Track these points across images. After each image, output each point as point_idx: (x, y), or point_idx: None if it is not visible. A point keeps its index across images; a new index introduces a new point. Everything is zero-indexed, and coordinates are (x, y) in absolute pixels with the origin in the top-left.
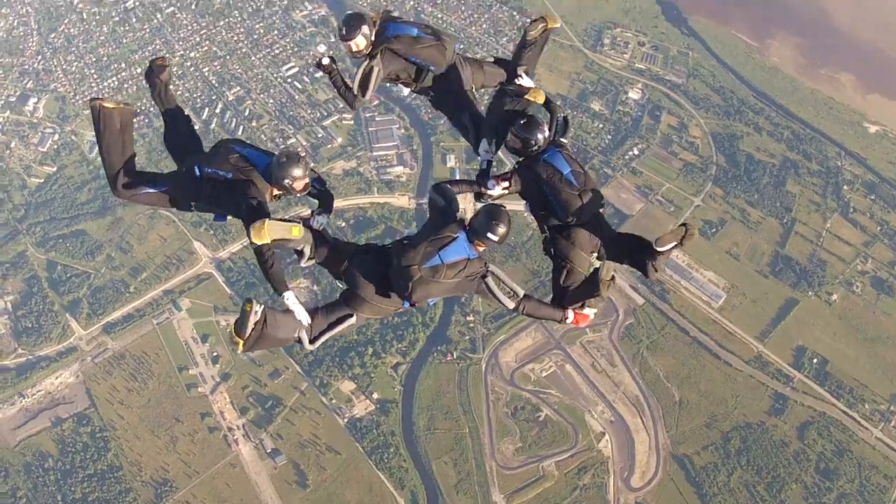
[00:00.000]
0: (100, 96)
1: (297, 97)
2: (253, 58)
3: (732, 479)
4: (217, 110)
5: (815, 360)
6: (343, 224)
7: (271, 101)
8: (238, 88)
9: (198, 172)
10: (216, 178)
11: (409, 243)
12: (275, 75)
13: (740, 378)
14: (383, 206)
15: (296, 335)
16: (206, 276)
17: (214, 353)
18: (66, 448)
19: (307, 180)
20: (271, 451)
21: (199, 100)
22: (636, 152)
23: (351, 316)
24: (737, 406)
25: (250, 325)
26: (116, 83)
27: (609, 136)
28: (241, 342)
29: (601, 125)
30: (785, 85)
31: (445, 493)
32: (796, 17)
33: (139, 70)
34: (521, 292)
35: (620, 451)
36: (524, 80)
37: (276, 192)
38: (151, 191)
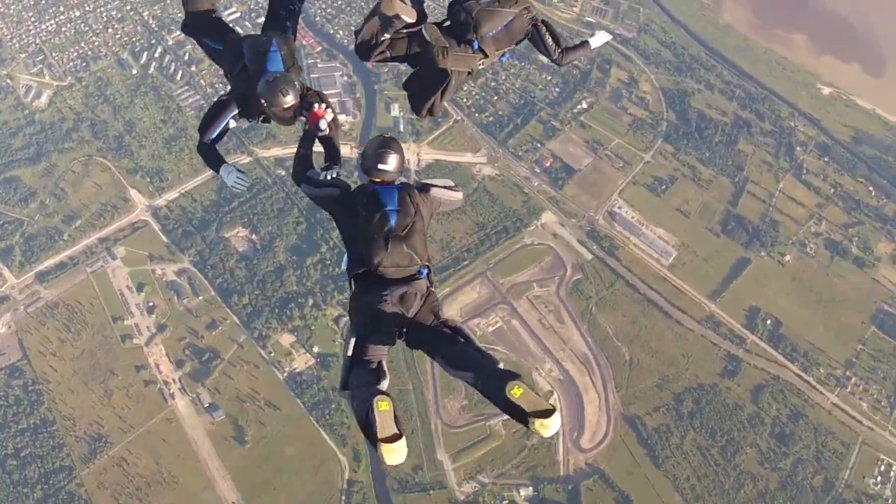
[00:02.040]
0: None
1: None
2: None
3: (685, 442)
4: (156, 54)
5: (768, 322)
6: (283, 172)
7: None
8: (178, 33)
9: (244, 50)
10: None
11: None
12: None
13: (692, 338)
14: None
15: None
16: (141, 223)
17: (150, 303)
18: None
19: (291, 110)
20: (208, 405)
21: (137, 44)
22: (585, 106)
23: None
24: (689, 367)
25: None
26: (55, 26)
27: (557, 90)
28: (404, 439)
29: (549, 77)
30: (737, 43)
31: None
32: None
33: (77, 14)
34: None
35: (569, 410)
36: None
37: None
38: (209, 43)
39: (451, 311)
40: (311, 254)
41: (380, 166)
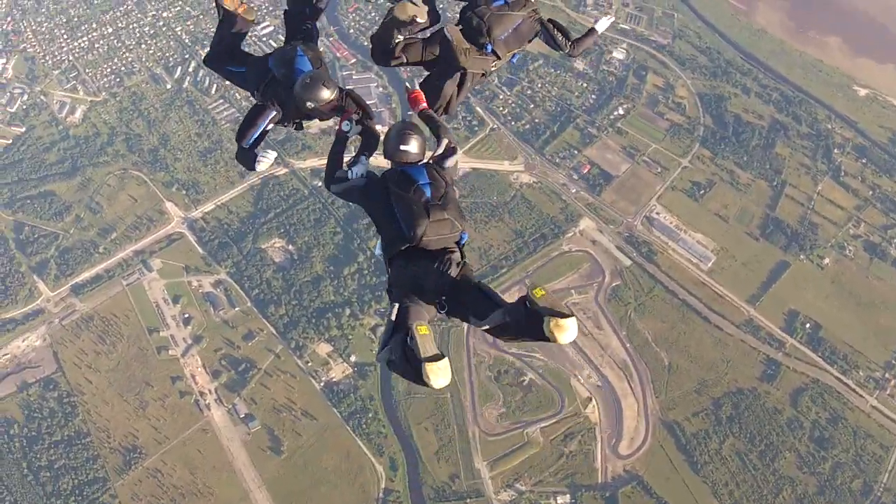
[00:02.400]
0: None
1: None
2: None
3: (724, 447)
4: (190, 69)
5: (807, 325)
6: (320, 183)
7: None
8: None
9: (270, 64)
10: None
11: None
12: (250, 35)
13: (731, 342)
14: None
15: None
16: (177, 236)
17: (186, 315)
18: (31, 414)
19: (329, 103)
20: (244, 416)
21: (171, 59)
22: (621, 112)
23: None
24: (728, 371)
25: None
26: (87, 43)
27: (593, 96)
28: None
29: (585, 84)
30: (772, 47)
31: (426, 460)
32: None
33: (110, 30)
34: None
35: (608, 416)
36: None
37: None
38: (232, 69)
39: None
40: (349, 264)
41: (401, 147)
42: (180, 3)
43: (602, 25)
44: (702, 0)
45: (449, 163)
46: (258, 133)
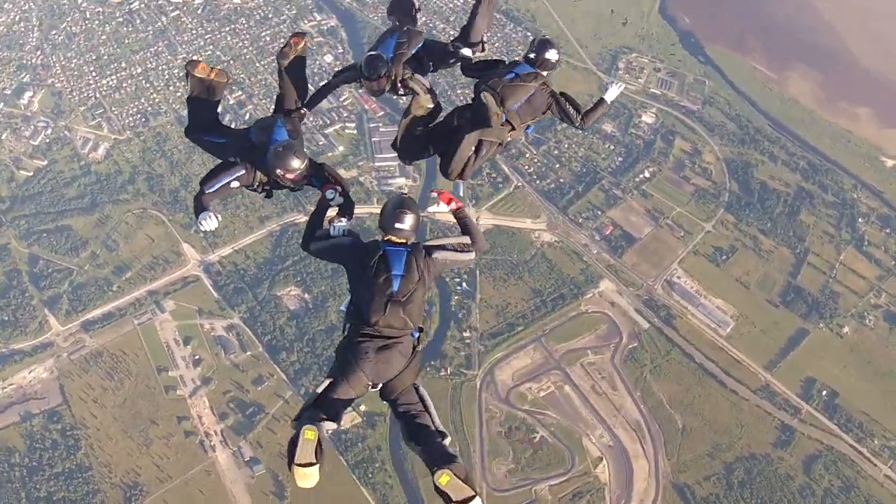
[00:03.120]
0: (195, 59)
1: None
2: (257, 64)
3: None
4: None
5: (824, 393)
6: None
7: (273, 106)
8: (240, 93)
9: (251, 133)
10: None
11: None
12: (279, 82)
13: (746, 407)
14: None
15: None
16: (192, 278)
17: (196, 356)
18: (34, 444)
19: (297, 173)
20: (249, 459)
21: None
22: (647, 175)
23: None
24: (742, 436)
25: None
26: (116, 82)
27: (620, 159)
28: (317, 467)
29: (612, 147)
30: (802, 116)
31: None
32: (815, 50)
33: (139, 70)
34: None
35: (618, 477)
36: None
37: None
38: (213, 140)
39: (504, 376)
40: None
41: (396, 225)
42: (211, 46)
43: (611, 95)
44: (733, 68)
45: (448, 256)
46: (219, 185)
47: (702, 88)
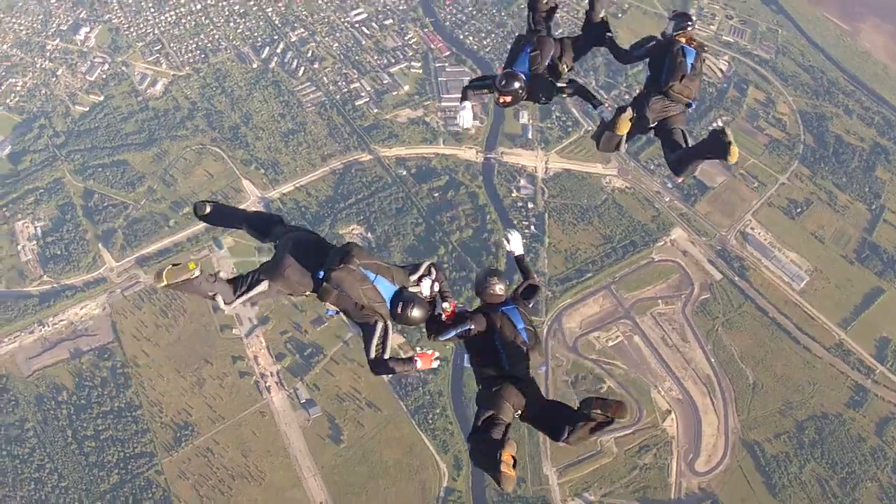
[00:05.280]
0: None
1: (364, 42)
2: (320, 1)
3: (805, 472)
4: (278, 50)
5: None
6: (405, 172)
7: (336, 44)
8: (302, 30)
9: (320, 276)
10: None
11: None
12: (342, 20)
13: (819, 365)
14: (448, 158)
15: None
16: None
17: None
18: (83, 382)
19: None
20: (305, 401)
21: (259, 39)
22: (720, 124)
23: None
24: (814, 395)
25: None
26: (174, 17)
27: (693, 105)
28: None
29: None
30: (876, 70)
31: None
32: (888, 2)
33: (199, 6)
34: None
35: (686, 431)
36: None
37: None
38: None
39: (571, 324)
40: (429, 255)
41: (490, 291)
42: None
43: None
44: (806, 18)
45: (534, 300)
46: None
47: (774, 38)
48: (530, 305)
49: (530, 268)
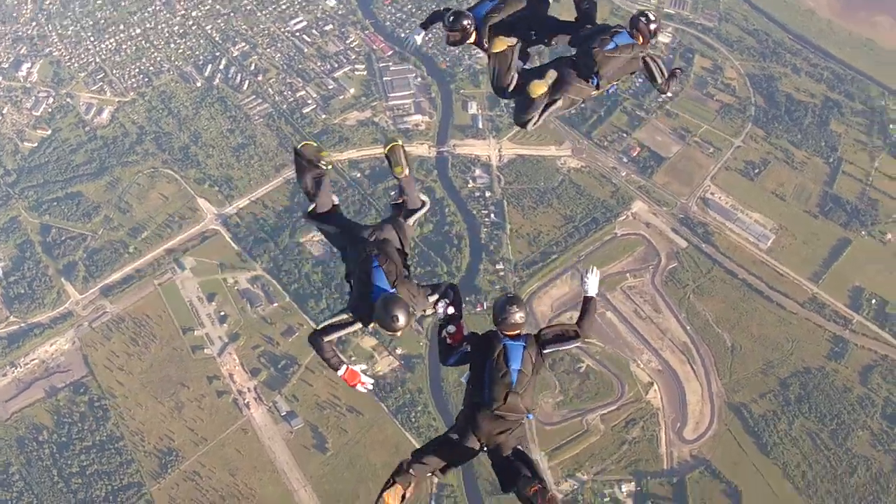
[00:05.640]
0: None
1: (306, 50)
2: (259, 14)
3: (794, 428)
4: (221, 66)
5: (873, 301)
6: (359, 175)
7: (278, 55)
8: (243, 44)
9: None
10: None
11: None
12: (282, 30)
13: (795, 321)
14: None
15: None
16: (211, 233)
17: (222, 313)
18: (61, 419)
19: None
20: (286, 413)
21: (201, 57)
22: (669, 94)
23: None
24: (793, 351)
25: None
26: (115, 45)
27: (640, 80)
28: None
29: None
30: (821, 27)
31: (480, 453)
32: None
33: (138, 31)
34: (573, 329)
35: (671, 401)
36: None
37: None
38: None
39: (542, 307)
40: None
41: (510, 321)
42: (210, 1)
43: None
44: None
45: (557, 348)
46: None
47: (717, 5)
48: (546, 351)
49: (587, 317)
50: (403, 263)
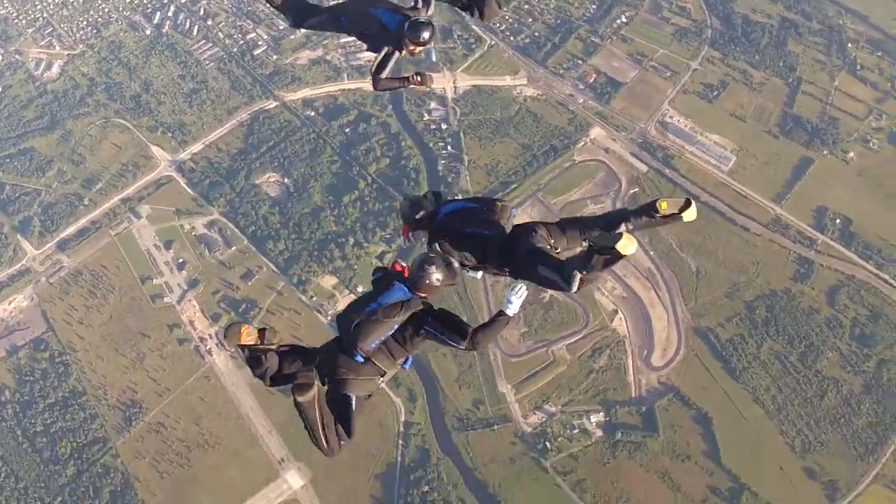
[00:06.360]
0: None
1: None
2: None
3: (762, 351)
4: (170, 13)
5: (837, 221)
6: (313, 113)
7: None
8: None
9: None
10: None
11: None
12: None
13: (759, 243)
14: (355, 92)
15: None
16: (165, 179)
17: (180, 260)
18: (23, 378)
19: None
20: None
21: (149, 5)
22: (624, 20)
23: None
24: (759, 273)
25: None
26: (60, 0)
27: (594, 6)
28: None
29: None
30: None
31: (446, 388)
32: None
33: None
34: (469, 329)
35: (636, 328)
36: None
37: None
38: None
39: None
40: (349, 192)
41: (426, 282)
42: None
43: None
44: None
45: (435, 339)
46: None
47: None
48: (425, 330)
49: (488, 330)
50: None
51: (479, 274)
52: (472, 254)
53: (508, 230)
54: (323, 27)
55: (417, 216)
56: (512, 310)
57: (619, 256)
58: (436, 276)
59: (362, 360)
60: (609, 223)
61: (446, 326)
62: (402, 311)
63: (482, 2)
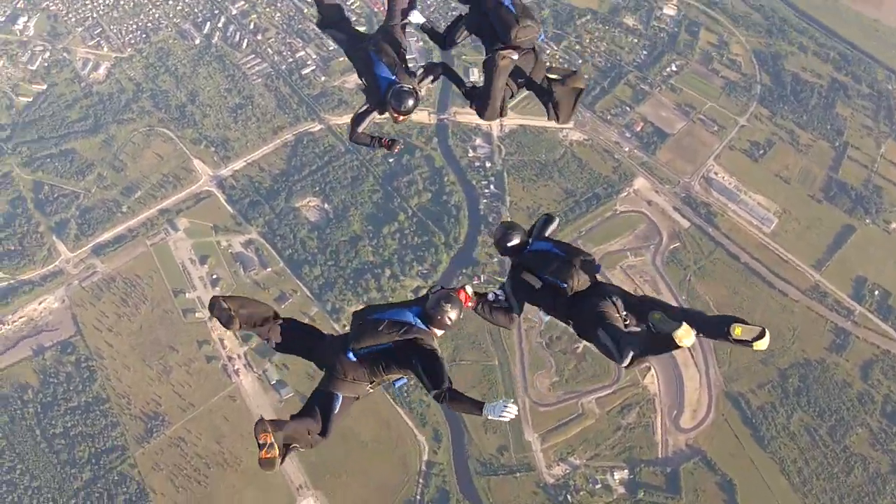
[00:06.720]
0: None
1: (306, 10)
2: None
3: (792, 422)
4: (220, 24)
5: (876, 293)
6: None
7: (278, 14)
8: (242, 2)
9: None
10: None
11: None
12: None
13: (797, 309)
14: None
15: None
16: (205, 194)
17: (214, 276)
18: (47, 379)
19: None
20: (276, 382)
21: (200, 14)
22: (674, 69)
23: (336, 396)
24: (794, 341)
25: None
26: (112, 0)
27: (644, 52)
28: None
29: (635, 40)
30: (827, 6)
31: (472, 431)
32: None
33: None
34: (447, 385)
35: (668, 388)
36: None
37: None
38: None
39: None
40: (388, 223)
41: (439, 319)
42: None
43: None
44: None
45: (418, 372)
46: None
47: None
48: (402, 367)
49: (463, 403)
50: (401, 59)
51: (548, 318)
52: (542, 302)
53: (588, 284)
54: (339, 45)
55: (509, 244)
56: (490, 415)
57: (675, 346)
58: (449, 315)
59: (354, 359)
60: (682, 318)
61: (428, 369)
62: (402, 333)
63: (557, 105)
